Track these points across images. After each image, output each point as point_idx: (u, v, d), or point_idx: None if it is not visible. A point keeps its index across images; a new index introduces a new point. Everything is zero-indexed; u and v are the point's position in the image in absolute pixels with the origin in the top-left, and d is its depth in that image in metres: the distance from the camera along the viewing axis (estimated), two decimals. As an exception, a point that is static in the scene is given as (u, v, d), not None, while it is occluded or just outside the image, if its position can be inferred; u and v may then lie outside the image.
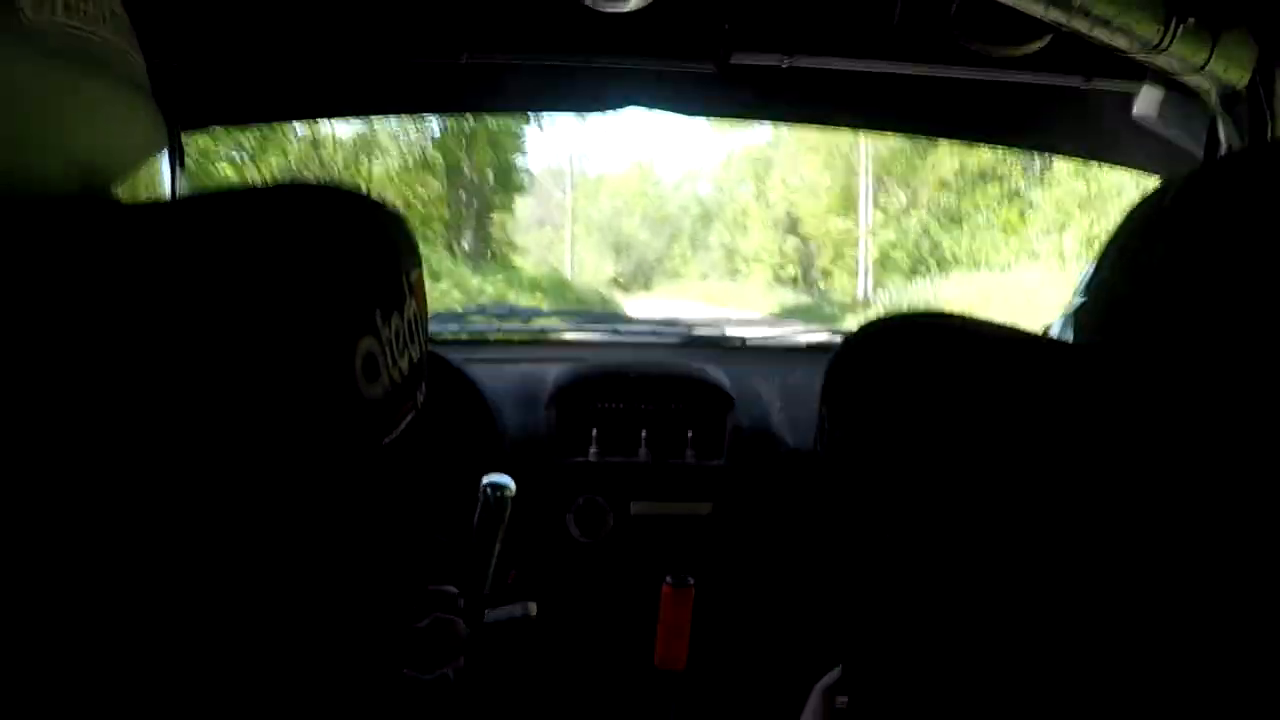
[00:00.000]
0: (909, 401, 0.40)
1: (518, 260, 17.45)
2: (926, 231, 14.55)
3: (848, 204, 16.75)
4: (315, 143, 12.07)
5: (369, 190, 0.49)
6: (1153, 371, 0.38)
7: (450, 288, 10.85)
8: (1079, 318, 0.51)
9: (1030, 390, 0.37)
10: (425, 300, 0.51)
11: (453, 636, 0.85)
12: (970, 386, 0.39)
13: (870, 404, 0.42)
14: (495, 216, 15.87)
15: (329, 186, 0.46)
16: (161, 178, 0.49)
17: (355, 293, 0.42)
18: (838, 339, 1.84)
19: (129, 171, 0.46)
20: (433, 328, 1.33)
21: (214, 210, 0.41)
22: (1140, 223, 0.50)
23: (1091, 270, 0.52)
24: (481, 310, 1.82)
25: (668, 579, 1.08)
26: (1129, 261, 0.48)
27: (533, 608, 1.16)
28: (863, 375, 0.44)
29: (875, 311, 0.59)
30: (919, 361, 0.42)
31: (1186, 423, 0.35)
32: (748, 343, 1.85)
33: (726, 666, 1.45)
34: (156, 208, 0.42)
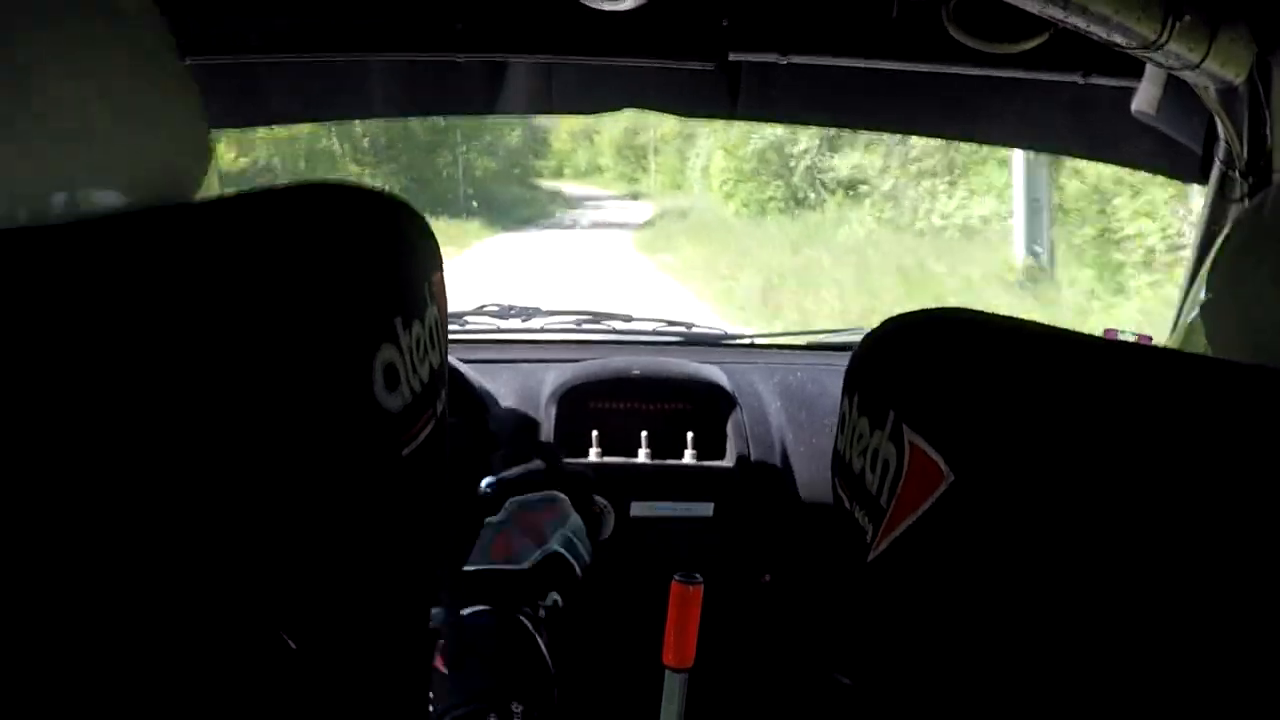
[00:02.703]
0: (947, 392, 0.40)
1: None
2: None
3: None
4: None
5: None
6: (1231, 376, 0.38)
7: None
8: (1199, 335, 0.52)
9: (1075, 382, 0.37)
10: (446, 304, 0.50)
11: (539, 515, 0.79)
12: (1008, 371, 0.39)
13: (903, 389, 0.42)
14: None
15: (351, 187, 0.45)
16: (213, 177, 0.49)
17: (375, 300, 0.42)
18: (841, 338, 1.84)
19: (189, 187, 0.45)
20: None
21: (232, 215, 0.40)
22: (1243, 238, 0.50)
23: (1201, 291, 0.53)
24: (480, 309, 1.81)
25: (676, 576, 1.08)
26: (1238, 276, 0.49)
27: None
28: (895, 367, 0.44)
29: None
30: (954, 353, 0.41)
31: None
32: (749, 342, 1.84)
33: (734, 666, 1.45)
34: (175, 212, 0.41)
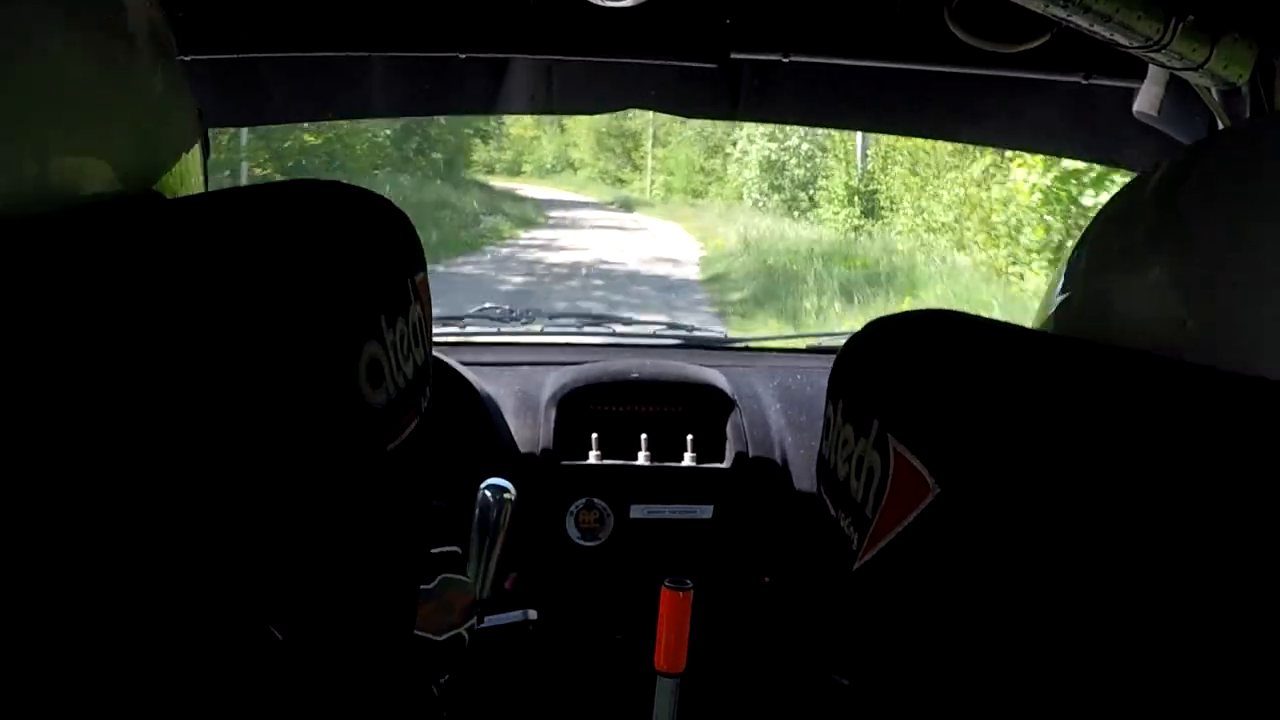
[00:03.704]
0: (931, 400, 0.39)
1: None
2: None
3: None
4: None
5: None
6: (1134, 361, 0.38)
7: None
8: (1059, 312, 0.51)
9: (1061, 391, 0.37)
10: (430, 303, 0.50)
11: (463, 595, 0.84)
12: (991, 377, 0.38)
13: (887, 396, 0.41)
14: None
15: (335, 185, 0.45)
16: (198, 172, 0.49)
17: (360, 298, 0.42)
18: (838, 340, 1.84)
19: (170, 165, 0.45)
20: (431, 329, 1.31)
21: (216, 212, 0.40)
22: (1117, 215, 0.50)
23: (1069, 265, 0.52)
24: (480, 313, 1.81)
25: (666, 582, 1.08)
26: (1109, 253, 0.48)
27: (533, 614, 1.15)
28: (878, 372, 0.44)
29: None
30: (937, 359, 0.41)
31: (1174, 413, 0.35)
32: (748, 345, 1.85)
33: (726, 670, 1.45)
34: (160, 208, 0.41)
